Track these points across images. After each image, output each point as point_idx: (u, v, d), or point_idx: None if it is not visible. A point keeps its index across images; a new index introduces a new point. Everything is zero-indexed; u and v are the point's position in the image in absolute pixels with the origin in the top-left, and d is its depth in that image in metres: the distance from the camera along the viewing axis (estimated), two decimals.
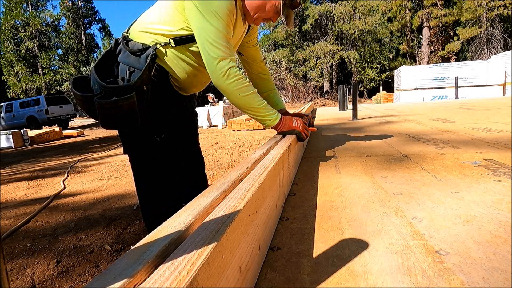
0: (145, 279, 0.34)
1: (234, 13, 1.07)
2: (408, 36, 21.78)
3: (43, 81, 25.02)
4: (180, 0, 1.04)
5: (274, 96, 1.50)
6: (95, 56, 30.05)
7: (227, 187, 0.65)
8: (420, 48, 21.27)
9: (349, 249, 0.68)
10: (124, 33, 1.15)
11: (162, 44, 1.07)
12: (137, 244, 0.41)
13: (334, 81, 22.62)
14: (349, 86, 11.98)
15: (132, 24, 1.17)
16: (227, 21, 1.03)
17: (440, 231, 0.73)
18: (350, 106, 6.14)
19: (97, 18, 30.51)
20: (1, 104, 15.14)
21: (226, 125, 7.90)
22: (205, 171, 1.41)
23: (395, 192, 1.03)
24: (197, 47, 1.06)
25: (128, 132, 1.17)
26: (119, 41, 1.12)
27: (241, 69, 1.08)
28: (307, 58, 21.13)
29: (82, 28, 28.88)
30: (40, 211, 2.54)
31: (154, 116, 1.11)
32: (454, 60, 19.41)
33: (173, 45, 1.07)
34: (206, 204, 0.55)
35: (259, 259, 0.62)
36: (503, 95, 10.50)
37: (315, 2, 22.93)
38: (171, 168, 1.20)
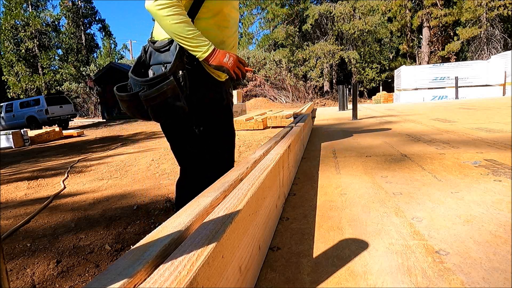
0: (145, 279, 0.34)
1: None
2: (408, 36, 21.76)
3: (43, 81, 25.01)
4: None
5: None
6: (95, 56, 30.04)
7: (227, 187, 0.65)
8: (420, 48, 21.25)
9: (349, 249, 0.68)
10: (149, 39, 1.22)
11: None
12: (137, 244, 0.41)
13: (334, 81, 22.61)
14: (349, 86, 11.98)
15: (152, 30, 1.24)
16: None
17: (440, 231, 0.73)
18: (350, 106, 6.14)
19: (97, 18, 30.48)
20: (1, 104, 15.12)
21: None
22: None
23: (395, 192, 1.03)
24: (209, 13, 1.13)
25: (168, 124, 1.24)
26: (146, 48, 1.19)
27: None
28: (307, 58, 21.12)
29: (82, 28, 28.86)
30: (40, 211, 2.54)
31: (193, 104, 1.16)
32: (454, 60, 19.39)
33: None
34: (206, 204, 0.55)
35: (259, 259, 0.62)
36: (503, 95, 10.50)
37: (315, 2, 22.93)
38: (208, 160, 1.26)
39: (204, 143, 1.23)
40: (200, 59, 1.16)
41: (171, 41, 1.11)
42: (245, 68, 1.31)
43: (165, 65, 1.10)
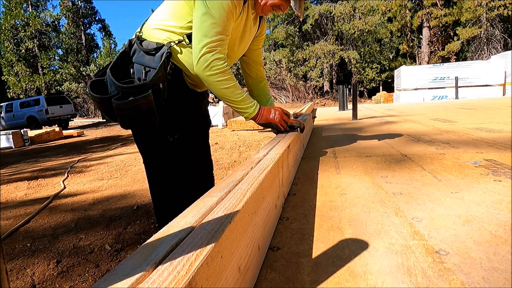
0: (144, 279, 0.34)
1: (239, 8, 1.07)
2: (408, 36, 21.77)
3: (43, 81, 25.01)
4: None
5: (267, 102, 1.48)
6: (95, 56, 30.04)
7: (232, 187, 0.65)
8: (420, 48, 21.26)
9: (349, 249, 0.68)
10: (137, 33, 1.15)
11: (176, 42, 1.07)
12: (145, 244, 0.41)
13: (334, 81, 22.61)
14: (349, 86, 11.97)
15: (144, 23, 1.18)
16: (227, 14, 1.03)
17: (440, 231, 0.73)
18: (350, 106, 6.14)
19: (97, 18, 30.47)
20: (1, 104, 15.13)
21: (226, 125, 7.90)
22: (213, 172, 1.41)
23: (395, 192, 1.03)
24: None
25: (142, 133, 1.18)
26: (132, 42, 1.12)
27: (226, 61, 1.07)
28: (307, 58, 21.12)
29: (82, 28, 28.86)
30: (40, 211, 2.54)
31: (169, 115, 1.12)
32: (454, 60, 19.40)
33: (187, 42, 1.07)
34: (212, 204, 0.55)
35: (259, 259, 0.62)
36: (503, 95, 10.50)
37: (315, 2, 22.92)
38: (182, 168, 1.21)
39: (178, 151, 1.17)
40: (247, 119, 1.19)
41: (158, 48, 1.05)
42: (290, 119, 1.33)
43: (146, 68, 1.04)
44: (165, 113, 1.08)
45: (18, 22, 24.58)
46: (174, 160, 1.18)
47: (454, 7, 18.76)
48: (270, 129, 1.33)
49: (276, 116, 1.25)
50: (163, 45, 1.05)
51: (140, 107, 0.98)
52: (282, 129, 1.31)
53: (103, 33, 31.02)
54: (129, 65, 1.10)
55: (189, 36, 1.07)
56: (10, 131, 8.54)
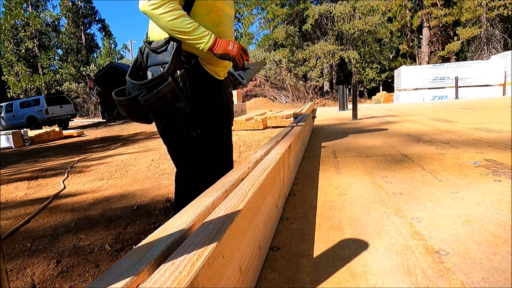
0: (146, 279, 0.34)
1: None
2: (408, 36, 21.77)
3: (43, 81, 25.01)
4: None
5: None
6: (95, 56, 30.05)
7: (228, 187, 0.65)
8: (420, 48, 21.25)
9: (349, 249, 0.68)
10: (145, 40, 1.20)
11: None
12: (140, 244, 0.41)
13: (334, 81, 22.61)
14: (349, 86, 11.97)
15: (148, 31, 1.22)
16: None
17: (440, 231, 0.73)
18: (350, 106, 6.15)
19: (97, 18, 30.48)
20: (1, 104, 15.12)
21: None
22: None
23: (395, 192, 1.03)
24: (202, 10, 1.12)
25: (165, 127, 1.22)
26: (142, 49, 1.17)
27: None
28: (307, 58, 21.12)
29: (82, 28, 28.86)
30: (40, 211, 2.54)
31: (192, 104, 1.14)
32: (454, 60, 19.39)
33: None
34: (208, 204, 0.55)
35: (260, 259, 0.62)
36: (503, 95, 10.51)
37: (315, 2, 22.93)
38: (202, 161, 1.24)
39: (201, 145, 1.21)
40: (204, 50, 1.12)
41: (167, 41, 1.09)
42: (247, 57, 1.29)
43: (163, 65, 1.08)
44: (189, 105, 1.11)
45: (18, 22, 24.58)
46: (197, 153, 1.22)
47: (454, 7, 18.76)
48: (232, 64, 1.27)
49: (234, 48, 1.19)
50: (170, 37, 1.09)
51: (166, 96, 1.03)
52: (239, 64, 1.25)
53: (103, 33, 31.01)
54: (145, 71, 1.15)
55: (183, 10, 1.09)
56: (10, 131, 8.54)
